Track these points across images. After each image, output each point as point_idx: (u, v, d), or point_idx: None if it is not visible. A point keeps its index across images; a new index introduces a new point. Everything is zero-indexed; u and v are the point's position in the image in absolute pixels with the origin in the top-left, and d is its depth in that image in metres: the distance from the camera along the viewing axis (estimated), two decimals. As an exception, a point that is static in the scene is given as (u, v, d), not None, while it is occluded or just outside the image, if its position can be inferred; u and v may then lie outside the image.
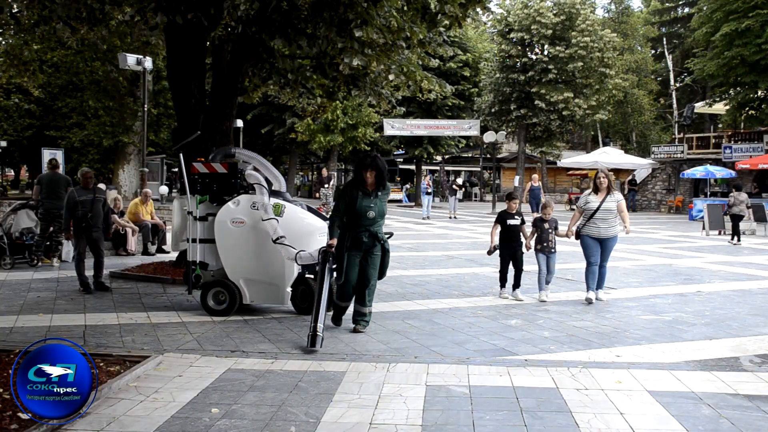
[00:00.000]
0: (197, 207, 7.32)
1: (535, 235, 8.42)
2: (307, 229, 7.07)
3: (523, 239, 8.35)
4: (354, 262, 6.36)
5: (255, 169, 7.46)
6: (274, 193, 7.31)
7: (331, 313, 6.71)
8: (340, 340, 6.17)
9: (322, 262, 6.32)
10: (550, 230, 8.33)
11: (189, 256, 7.38)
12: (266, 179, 7.33)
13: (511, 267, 8.33)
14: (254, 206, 6.94)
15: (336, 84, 10.95)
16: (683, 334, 6.63)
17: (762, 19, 23.92)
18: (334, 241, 6.31)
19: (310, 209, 7.50)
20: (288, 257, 6.74)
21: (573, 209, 8.11)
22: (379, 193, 6.40)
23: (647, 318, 7.38)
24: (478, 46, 39.63)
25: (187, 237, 7.37)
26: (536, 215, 9.26)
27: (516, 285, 8.35)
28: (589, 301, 8.05)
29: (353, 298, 6.56)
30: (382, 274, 6.57)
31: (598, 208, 8.05)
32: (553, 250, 8.34)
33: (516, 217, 8.27)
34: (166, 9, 7.71)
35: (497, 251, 8.31)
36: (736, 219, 16.65)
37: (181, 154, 7.62)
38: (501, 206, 32.83)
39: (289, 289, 7.03)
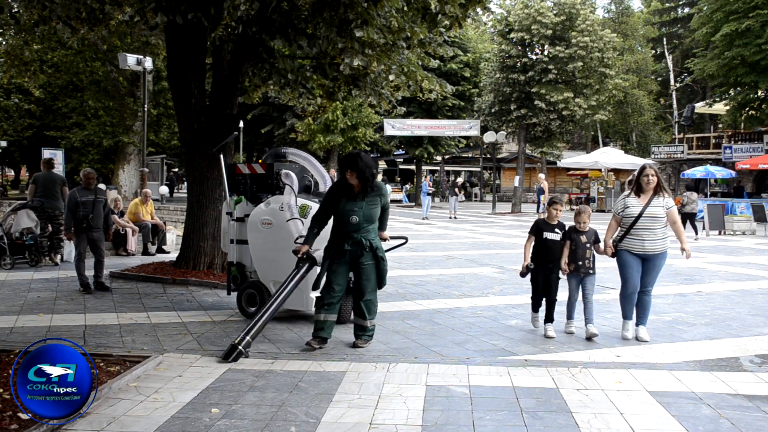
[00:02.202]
0: (234, 208, 7.29)
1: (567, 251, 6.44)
2: None
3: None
4: (336, 270, 5.79)
5: (302, 168, 7.35)
6: (317, 194, 7.22)
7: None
8: (340, 341, 6.16)
9: (294, 270, 5.88)
10: (587, 245, 6.38)
11: (229, 256, 7.40)
12: (313, 179, 7.28)
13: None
14: (281, 207, 6.78)
15: (336, 84, 10.94)
16: (683, 334, 6.63)
17: (762, 19, 23.93)
18: (305, 248, 5.84)
19: None
20: None
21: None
22: (367, 196, 5.76)
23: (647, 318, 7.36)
24: (478, 46, 39.63)
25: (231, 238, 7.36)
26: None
27: (548, 318, 6.50)
28: (625, 338, 6.35)
29: (336, 312, 5.91)
30: (380, 283, 5.96)
31: (640, 214, 6.16)
32: (591, 271, 6.36)
33: (557, 230, 6.43)
34: (166, 9, 7.71)
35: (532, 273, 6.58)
36: (689, 217, 17.65)
37: (221, 156, 7.60)
38: (501, 207, 33.19)
39: (313, 295, 6.53)
